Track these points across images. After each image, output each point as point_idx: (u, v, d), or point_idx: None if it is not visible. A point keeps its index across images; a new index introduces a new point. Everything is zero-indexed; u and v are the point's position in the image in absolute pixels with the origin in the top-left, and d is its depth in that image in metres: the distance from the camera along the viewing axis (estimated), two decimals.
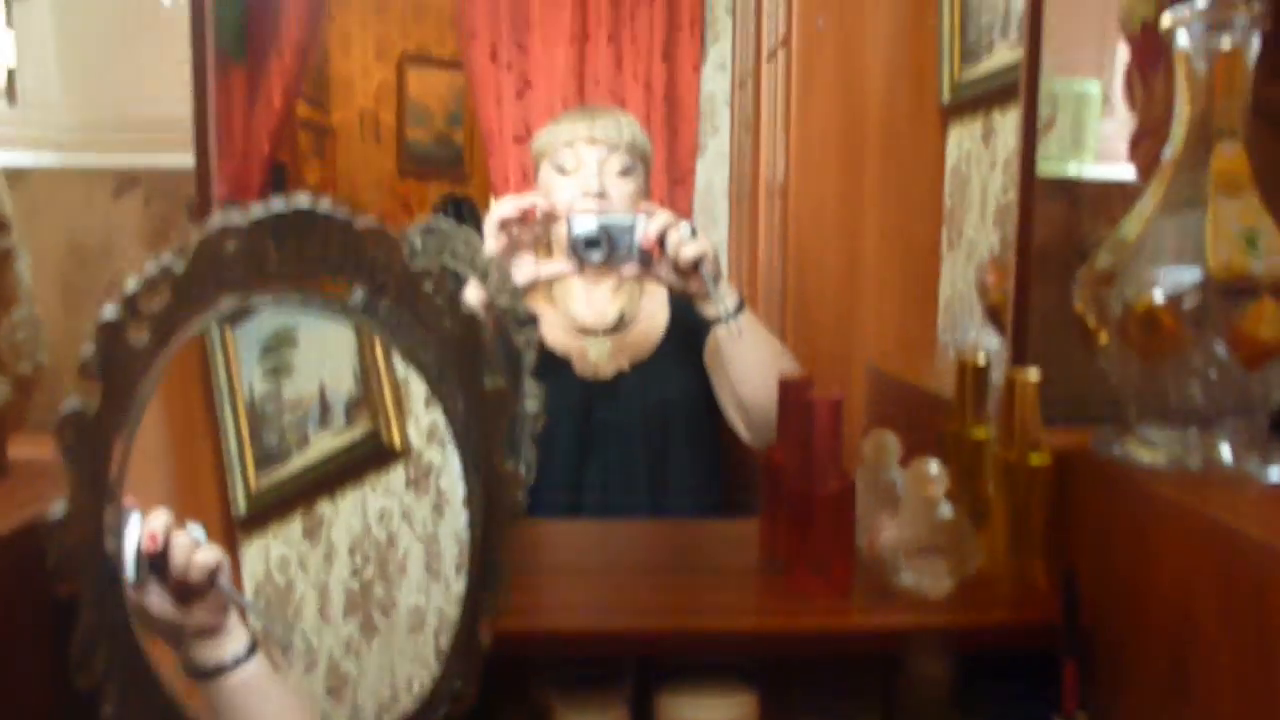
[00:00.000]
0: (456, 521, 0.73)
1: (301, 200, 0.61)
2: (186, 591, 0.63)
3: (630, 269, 1.14)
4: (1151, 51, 0.96)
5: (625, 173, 1.25)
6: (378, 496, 0.76)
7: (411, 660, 0.74)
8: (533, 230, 1.16)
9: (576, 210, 1.18)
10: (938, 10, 1.38)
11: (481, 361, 0.68)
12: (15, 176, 0.85)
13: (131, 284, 0.55)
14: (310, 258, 0.63)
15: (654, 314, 1.32)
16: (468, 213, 2.49)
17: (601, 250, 1.12)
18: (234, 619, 0.65)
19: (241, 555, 0.72)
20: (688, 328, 1.28)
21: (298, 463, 0.75)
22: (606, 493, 1.24)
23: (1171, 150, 0.79)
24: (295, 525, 0.75)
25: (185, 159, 0.92)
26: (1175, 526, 0.70)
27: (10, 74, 0.95)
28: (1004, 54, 1.19)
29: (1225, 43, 0.75)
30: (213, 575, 0.63)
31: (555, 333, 1.28)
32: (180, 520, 0.63)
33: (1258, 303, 0.73)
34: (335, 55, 2.58)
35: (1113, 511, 0.79)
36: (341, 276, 0.64)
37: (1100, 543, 0.81)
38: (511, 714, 0.86)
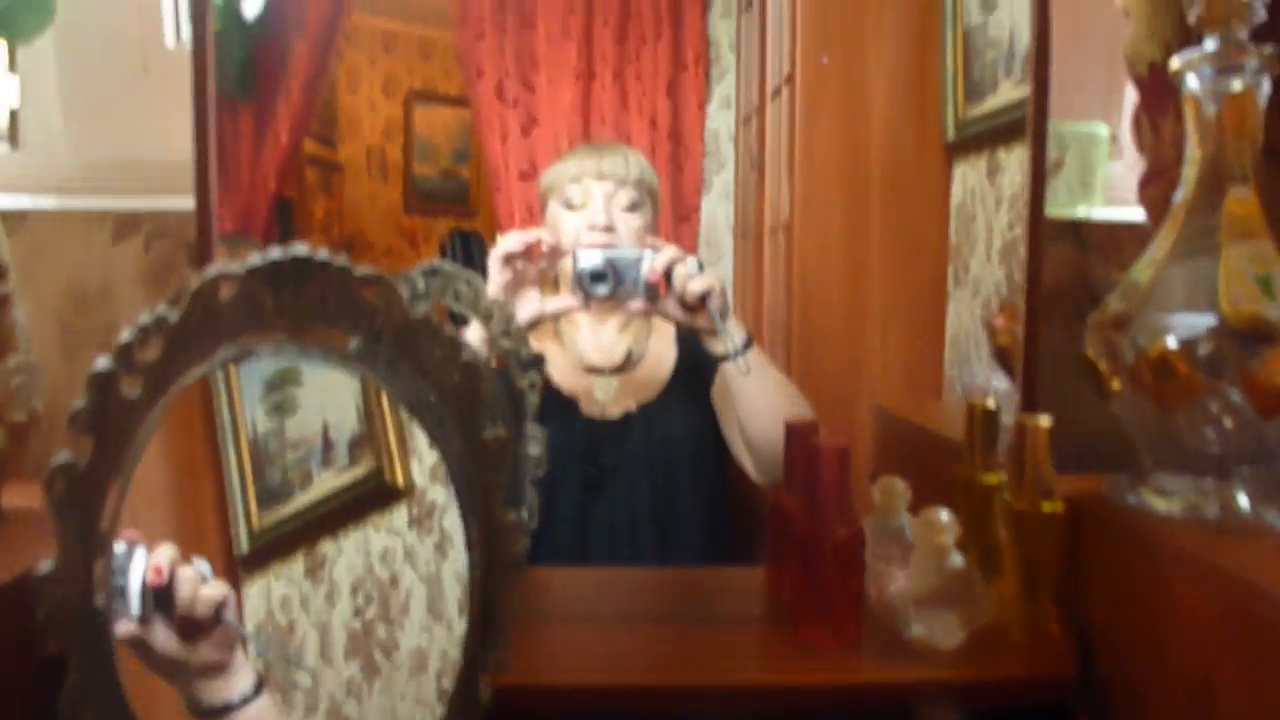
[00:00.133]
0: (460, 562, 0.71)
1: (299, 249, 0.60)
2: (192, 627, 0.62)
3: (636, 304, 1.12)
4: (1160, 93, 0.95)
5: (633, 208, 1.25)
6: (380, 536, 0.75)
7: (414, 703, 0.73)
8: (538, 265, 1.15)
9: (582, 245, 1.17)
10: (941, 48, 1.39)
11: (481, 410, 0.67)
12: (15, 219, 0.85)
13: (125, 334, 0.54)
14: (307, 306, 0.62)
15: (661, 353, 1.31)
16: (475, 247, 2.50)
17: (607, 284, 1.11)
18: (241, 656, 0.64)
19: (243, 594, 0.71)
20: (696, 367, 1.27)
21: (300, 501, 0.75)
22: (612, 536, 1.22)
23: (1182, 193, 0.78)
24: (297, 564, 0.74)
25: (187, 201, 0.92)
26: (1192, 578, 0.69)
27: (13, 116, 0.96)
28: (1008, 92, 1.19)
29: (1235, 85, 0.74)
30: (219, 610, 0.62)
31: (562, 372, 1.27)
32: (186, 556, 0.62)
33: (1274, 349, 0.71)
34: (343, 92, 2.60)
35: (1128, 562, 0.78)
36: (340, 325, 0.63)
37: (1115, 594, 0.79)
38: None
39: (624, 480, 1.24)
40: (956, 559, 0.83)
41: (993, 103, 1.24)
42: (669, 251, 1.12)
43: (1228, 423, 0.74)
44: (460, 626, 0.71)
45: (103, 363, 0.53)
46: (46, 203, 0.98)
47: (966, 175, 1.33)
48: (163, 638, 0.61)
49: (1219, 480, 0.76)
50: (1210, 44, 0.75)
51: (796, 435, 0.93)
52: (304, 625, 0.73)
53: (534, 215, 1.74)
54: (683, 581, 1.12)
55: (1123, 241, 0.98)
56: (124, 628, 0.60)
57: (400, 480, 0.75)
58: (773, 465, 1.16)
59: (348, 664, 0.73)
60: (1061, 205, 1.04)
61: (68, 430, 0.52)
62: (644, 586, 1.09)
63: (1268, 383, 0.71)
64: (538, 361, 0.97)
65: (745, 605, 0.98)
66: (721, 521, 1.29)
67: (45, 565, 0.52)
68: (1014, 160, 1.15)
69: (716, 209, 2.18)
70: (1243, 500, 0.75)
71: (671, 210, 2.13)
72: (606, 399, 1.27)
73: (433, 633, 0.73)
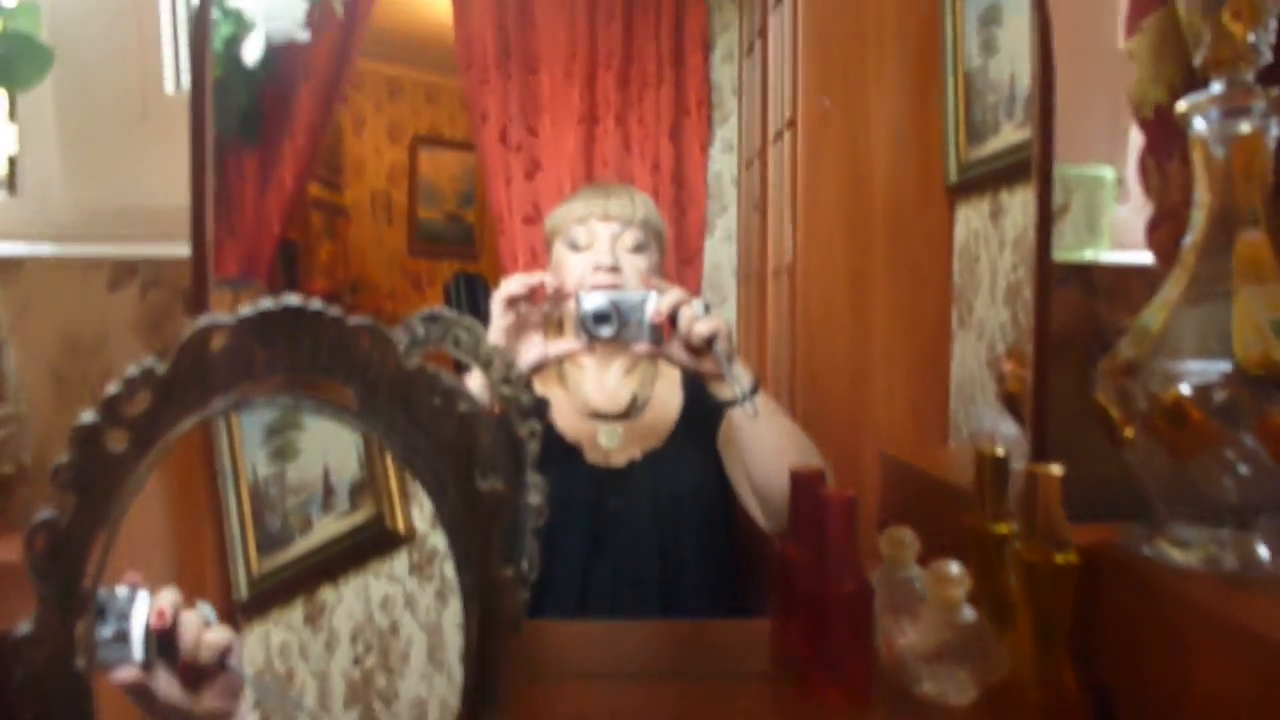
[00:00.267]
0: (460, 610, 0.70)
1: (290, 299, 0.59)
2: (196, 674, 0.60)
3: (641, 346, 1.11)
4: (1166, 136, 0.94)
5: (638, 249, 1.24)
6: (381, 582, 0.74)
7: None
8: (541, 309, 1.14)
9: (587, 287, 1.16)
10: (942, 91, 1.39)
11: (477, 462, 0.66)
12: (11, 267, 0.85)
13: (111, 387, 0.53)
14: (300, 357, 0.60)
15: (667, 399, 1.29)
16: (479, 290, 2.50)
17: (611, 325, 1.09)
18: (245, 705, 0.62)
19: (242, 640, 0.69)
20: (702, 414, 1.25)
21: (300, 546, 0.74)
22: (616, 587, 1.20)
23: (1192, 237, 0.77)
24: (297, 611, 0.73)
25: (185, 248, 0.92)
26: (1211, 632, 0.67)
27: (11, 163, 0.95)
28: (1010, 134, 1.18)
29: (1243, 128, 0.74)
30: (223, 656, 0.60)
31: (566, 417, 1.25)
32: (189, 600, 0.61)
33: None
34: (348, 137, 2.61)
35: (1145, 615, 0.75)
36: (333, 376, 0.62)
37: (1132, 648, 0.77)
38: None
39: (628, 529, 1.21)
40: (968, 613, 0.81)
41: (994, 145, 1.24)
42: (674, 293, 1.10)
43: (1244, 471, 0.72)
44: (460, 675, 0.69)
45: (88, 417, 0.52)
46: (43, 250, 0.97)
47: (969, 217, 1.32)
48: (166, 684, 0.60)
49: (1237, 530, 0.74)
50: (1217, 87, 0.74)
51: (802, 485, 0.91)
52: (303, 673, 0.71)
53: (538, 259, 1.74)
54: (688, 635, 1.09)
55: (1131, 285, 0.97)
56: (126, 673, 0.58)
57: (401, 526, 0.74)
58: (782, 513, 1.13)
59: (346, 713, 0.71)
60: (1069, 249, 1.03)
61: (50, 486, 0.51)
62: (648, 640, 1.06)
63: None
64: (539, 408, 0.95)
65: (752, 659, 0.95)
66: (729, 572, 1.26)
67: (24, 626, 0.50)
68: (1017, 202, 1.14)
69: (720, 251, 2.18)
70: (1262, 551, 0.73)
71: (675, 253, 2.13)
72: (611, 446, 1.25)
73: (432, 681, 0.71)
